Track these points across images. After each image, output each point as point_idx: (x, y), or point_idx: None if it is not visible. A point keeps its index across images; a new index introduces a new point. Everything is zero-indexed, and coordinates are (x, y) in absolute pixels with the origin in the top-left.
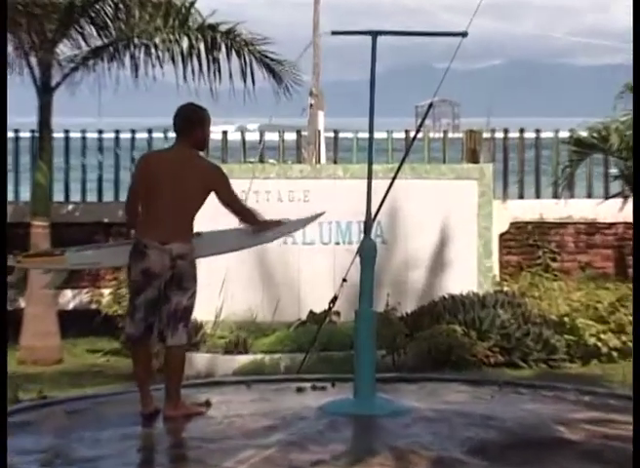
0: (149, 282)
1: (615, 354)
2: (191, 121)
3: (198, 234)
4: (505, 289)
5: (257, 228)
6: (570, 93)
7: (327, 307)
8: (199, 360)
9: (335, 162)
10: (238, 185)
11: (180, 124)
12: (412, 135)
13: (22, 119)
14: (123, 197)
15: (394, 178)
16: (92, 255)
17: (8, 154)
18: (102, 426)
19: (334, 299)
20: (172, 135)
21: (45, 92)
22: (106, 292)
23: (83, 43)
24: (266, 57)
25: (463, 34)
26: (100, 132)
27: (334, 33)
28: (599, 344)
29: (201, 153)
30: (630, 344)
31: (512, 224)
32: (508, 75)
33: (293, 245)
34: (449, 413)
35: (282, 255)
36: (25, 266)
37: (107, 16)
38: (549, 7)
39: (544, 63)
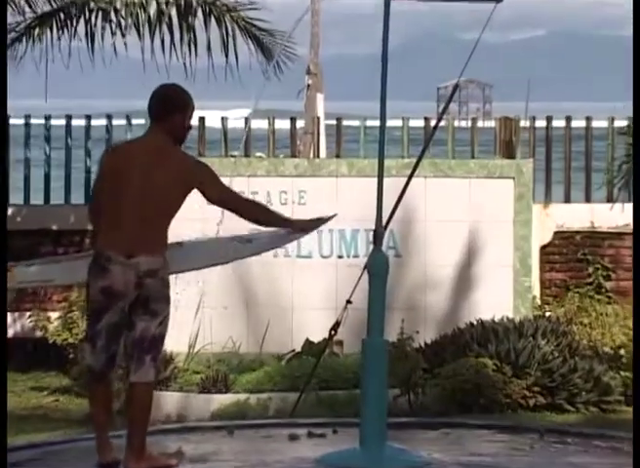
0: (111, 303)
1: None
2: (171, 103)
3: (179, 244)
4: (548, 314)
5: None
6: (628, 72)
7: (327, 336)
8: (169, 400)
9: (337, 156)
10: None
11: (156, 107)
12: (433, 123)
13: None
14: (75, 199)
15: (411, 177)
16: (44, 271)
17: None
18: None
19: (336, 326)
20: (137, 121)
21: None
22: (54, 316)
23: (27, 7)
24: (253, 26)
25: (497, 0)
26: (48, 117)
27: None
28: None
29: None
30: None
31: (556, 234)
32: (553, 50)
33: (285, 258)
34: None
35: (271, 271)
36: None
37: None
38: None
39: (597, 36)
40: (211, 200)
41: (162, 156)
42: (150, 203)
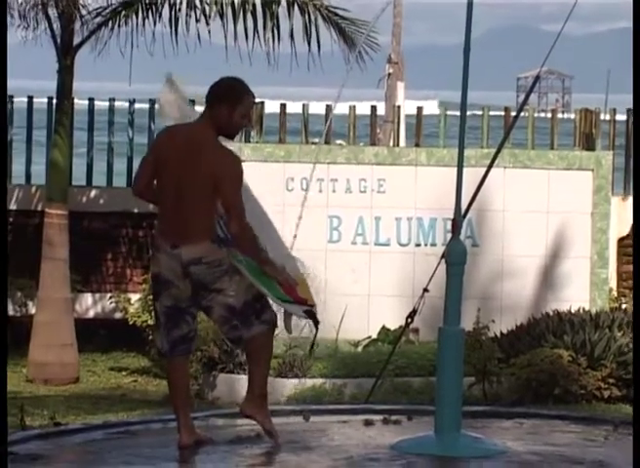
0: (161, 289)
1: None
2: (223, 94)
3: None
4: (624, 306)
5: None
6: None
7: (404, 323)
8: (244, 383)
9: (417, 145)
10: (299, 171)
11: (208, 94)
12: (513, 113)
13: (39, 82)
14: None
15: (490, 167)
16: None
17: (19, 126)
18: (128, 461)
19: (412, 314)
20: None
21: (66, 51)
22: (134, 297)
23: None
24: (336, 14)
25: None
26: (132, 102)
27: None
28: None
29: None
30: None
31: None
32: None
33: (363, 245)
34: (552, 458)
35: (348, 258)
36: None
37: None
38: None
39: None
40: (221, 200)
41: (199, 147)
42: (188, 196)
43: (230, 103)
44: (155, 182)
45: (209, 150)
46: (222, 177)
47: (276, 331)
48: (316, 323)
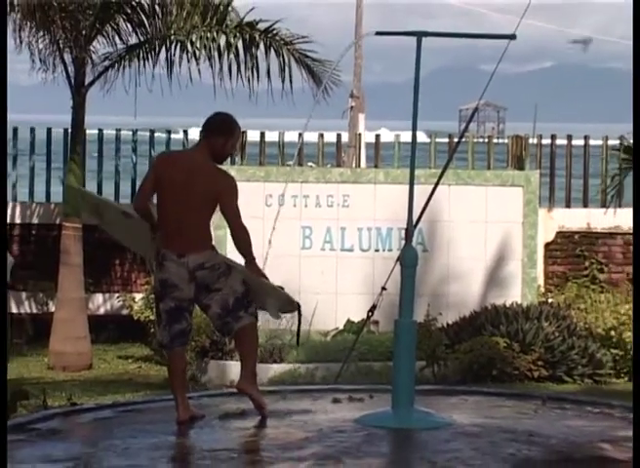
0: (166, 293)
1: None
2: (218, 127)
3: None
4: (550, 300)
5: (246, 266)
6: (621, 99)
7: (365, 316)
8: (232, 368)
9: (375, 166)
10: (276, 189)
11: (205, 127)
12: (455, 139)
13: (56, 116)
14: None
15: (437, 184)
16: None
17: (40, 153)
18: (133, 435)
19: (372, 308)
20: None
21: (79, 90)
22: (138, 296)
23: (118, 39)
24: (306, 56)
25: (512, 37)
26: (135, 132)
27: (378, 34)
28: None
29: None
30: None
31: (558, 234)
32: (559, 79)
33: (330, 251)
34: (490, 428)
35: (318, 262)
36: None
37: (144, 12)
38: (606, 8)
39: (597, 68)
40: (222, 212)
41: (199, 171)
42: (190, 212)
43: (225, 135)
44: (155, 200)
45: (208, 172)
46: (223, 191)
47: (259, 323)
48: (300, 311)
